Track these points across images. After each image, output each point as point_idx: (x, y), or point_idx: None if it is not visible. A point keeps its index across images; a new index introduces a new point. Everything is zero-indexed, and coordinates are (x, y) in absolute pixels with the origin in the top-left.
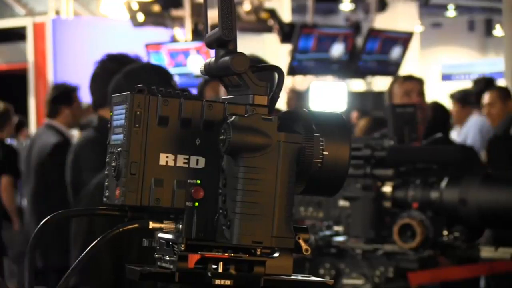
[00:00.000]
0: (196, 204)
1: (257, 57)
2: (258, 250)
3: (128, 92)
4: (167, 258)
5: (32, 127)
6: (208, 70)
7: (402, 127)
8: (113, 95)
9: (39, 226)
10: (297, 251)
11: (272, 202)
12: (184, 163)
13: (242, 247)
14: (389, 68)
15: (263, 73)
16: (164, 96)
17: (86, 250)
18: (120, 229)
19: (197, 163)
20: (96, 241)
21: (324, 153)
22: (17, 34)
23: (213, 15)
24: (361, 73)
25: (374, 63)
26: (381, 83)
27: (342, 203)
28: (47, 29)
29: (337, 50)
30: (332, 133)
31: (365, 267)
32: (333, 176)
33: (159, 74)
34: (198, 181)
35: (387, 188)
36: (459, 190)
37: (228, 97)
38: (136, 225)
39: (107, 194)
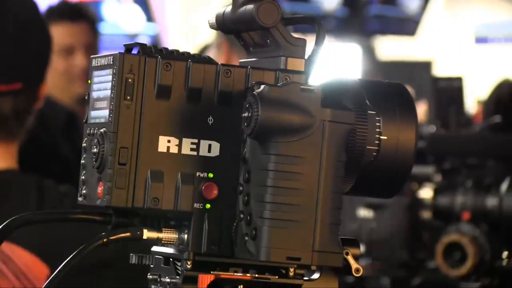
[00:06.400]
0: (208, 206)
1: None
2: (291, 269)
3: (117, 52)
4: (167, 280)
5: None
6: (222, 23)
7: (447, 107)
8: (92, 56)
9: None
10: (346, 271)
11: (313, 204)
12: (192, 149)
13: (271, 265)
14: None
15: None
16: (166, 58)
17: (64, 263)
18: (104, 239)
19: (209, 150)
20: (75, 252)
21: (381, 137)
22: None
23: None
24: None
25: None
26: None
27: (364, 213)
28: None
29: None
30: (391, 110)
31: None
32: (393, 170)
33: None
34: (211, 175)
35: (426, 192)
36: None
37: (251, 60)
38: (127, 234)
39: (84, 191)
